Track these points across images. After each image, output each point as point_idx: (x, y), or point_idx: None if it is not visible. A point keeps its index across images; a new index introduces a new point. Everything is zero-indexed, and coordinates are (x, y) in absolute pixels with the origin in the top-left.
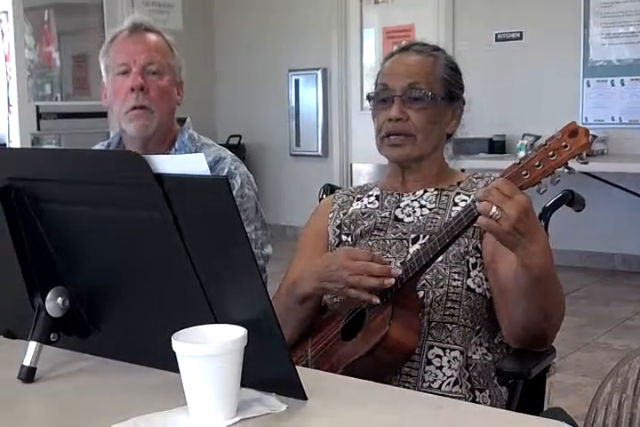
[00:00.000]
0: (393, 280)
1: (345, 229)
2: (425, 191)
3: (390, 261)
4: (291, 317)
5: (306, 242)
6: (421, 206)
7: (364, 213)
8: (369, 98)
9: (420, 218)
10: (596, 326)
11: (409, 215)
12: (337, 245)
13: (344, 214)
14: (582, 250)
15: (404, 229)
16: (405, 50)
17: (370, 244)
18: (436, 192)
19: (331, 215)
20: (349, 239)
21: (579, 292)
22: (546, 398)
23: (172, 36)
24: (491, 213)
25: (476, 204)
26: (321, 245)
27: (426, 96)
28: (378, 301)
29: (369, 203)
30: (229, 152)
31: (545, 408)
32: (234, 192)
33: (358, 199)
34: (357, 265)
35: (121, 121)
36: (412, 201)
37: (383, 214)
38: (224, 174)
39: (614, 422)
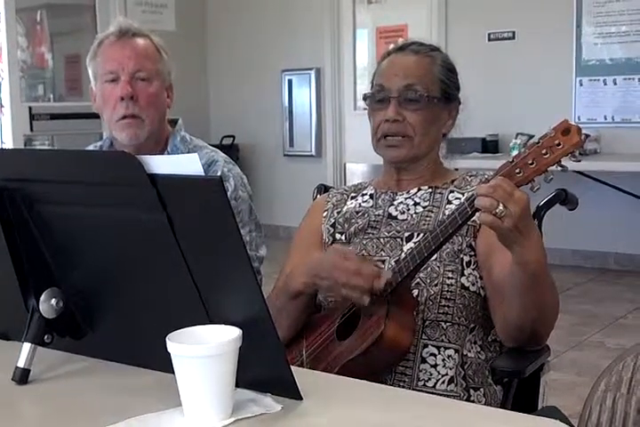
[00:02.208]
0: (383, 283)
1: (339, 227)
2: (419, 189)
3: (384, 260)
4: (284, 315)
5: (300, 241)
6: (415, 204)
7: (357, 212)
8: (365, 98)
9: (414, 216)
10: (590, 325)
11: (403, 213)
12: (331, 243)
13: (338, 213)
14: (575, 249)
15: (398, 227)
16: (402, 50)
17: (364, 242)
18: (429, 190)
19: (325, 214)
20: (343, 238)
21: (572, 290)
22: (540, 396)
23: (163, 38)
24: (496, 211)
25: (478, 200)
26: (315, 243)
27: (422, 97)
28: (367, 301)
29: (363, 201)
30: (222, 154)
31: (539, 407)
32: (228, 194)
33: (352, 198)
34: (348, 264)
35: (112, 129)
36: (406, 199)
37: (377, 212)
38: None
39: (608, 420)
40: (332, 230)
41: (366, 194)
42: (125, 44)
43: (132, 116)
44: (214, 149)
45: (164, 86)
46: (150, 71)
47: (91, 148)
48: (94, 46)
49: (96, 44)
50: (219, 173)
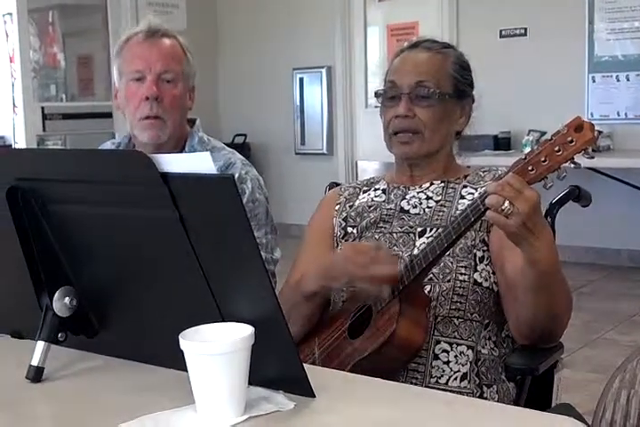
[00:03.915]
0: (399, 268)
1: (351, 221)
2: (431, 184)
3: (397, 255)
4: (297, 312)
5: (312, 234)
6: (428, 198)
7: (370, 206)
8: (377, 95)
9: (427, 210)
10: (603, 322)
11: (415, 207)
12: (342, 237)
13: (350, 207)
14: (589, 246)
15: (411, 222)
16: (415, 47)
17: (376, 237)
18: (442, 184)
19: (337, 208)
20: (355, 231)
21: (585, 288)
22: (554, 394)
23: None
24: (503, 208)
25: (487, 198)
26: (327, 237)
27: (433, 94)
28: (388, 292)
29: (375, 196)
30: (239, 156)
31: (553, 404)
32: (245, 198)
33: (365, 192)
34: (361, 258)
35: (134, 128)
36: (419, 193)
37: (389, 206)
38: None
39: (623, 417)
40: (343, 224)
41: (379, 189)
42: (154, 44)
43: (155, 117)
44: (232, 150)
45: (187, 88)
46: (176, 73)
47: (108, 144)
48: (121, 42)
49: (123, 40)
50: (236, 176)
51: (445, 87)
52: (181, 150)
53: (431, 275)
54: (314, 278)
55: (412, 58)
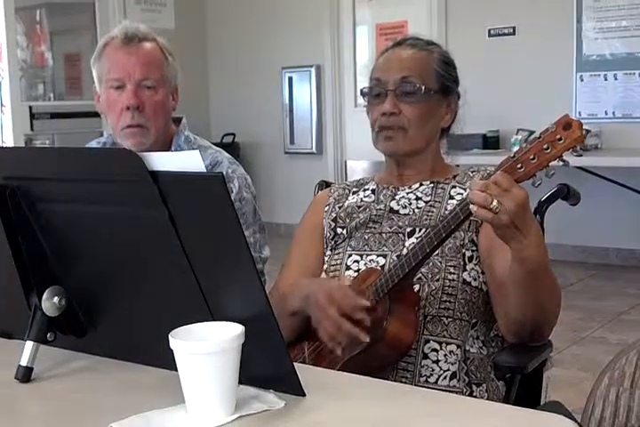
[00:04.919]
0: (364, 339)
1: (340, 222)
2: (421, 184)
3: (386, 255)
4: (282, 324)
5: (302, 235)
6: (417, 199)
7: (359, 207)
8: (363, 93)
9: (416, 211)
10: (592, 320)
11: (404, 207)
12: (332, 238)
13: (339, 208)
14: (577, 244)
15: (400, 223)
16: (399, 44)
17: (365, 237)
18: (431, 185)
19: (326, 209)
20: (344, 232)
21: (574, 286)
22: (543, 392)
23: (162, 36)
24: (491, 207)
25: (471, 194)
26: (316, 238)
27: (418, 90)
28: (339, 352)
29: (365, 196)
30: (226, 154)
31: (542, 402)
32: (232, 196)
33: (354, 193)
34: (331, 315)
35: (116, 135)
36: (408, 193)
37: (378, 207)
38: None
39: (612, 414)
40: (333, 225)
41: (368, 189)
42: (132, 50)
43: (137, 126)
44: (218, 149)
45: (169, 91)
46: (156, 78)
47: (94, 144)
48: (99, 47)
49: (101, 44)
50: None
51: (430, 83)
52: (167, 149)
53: (420, 274)
54: (297, 298)
55: (397, 55)
